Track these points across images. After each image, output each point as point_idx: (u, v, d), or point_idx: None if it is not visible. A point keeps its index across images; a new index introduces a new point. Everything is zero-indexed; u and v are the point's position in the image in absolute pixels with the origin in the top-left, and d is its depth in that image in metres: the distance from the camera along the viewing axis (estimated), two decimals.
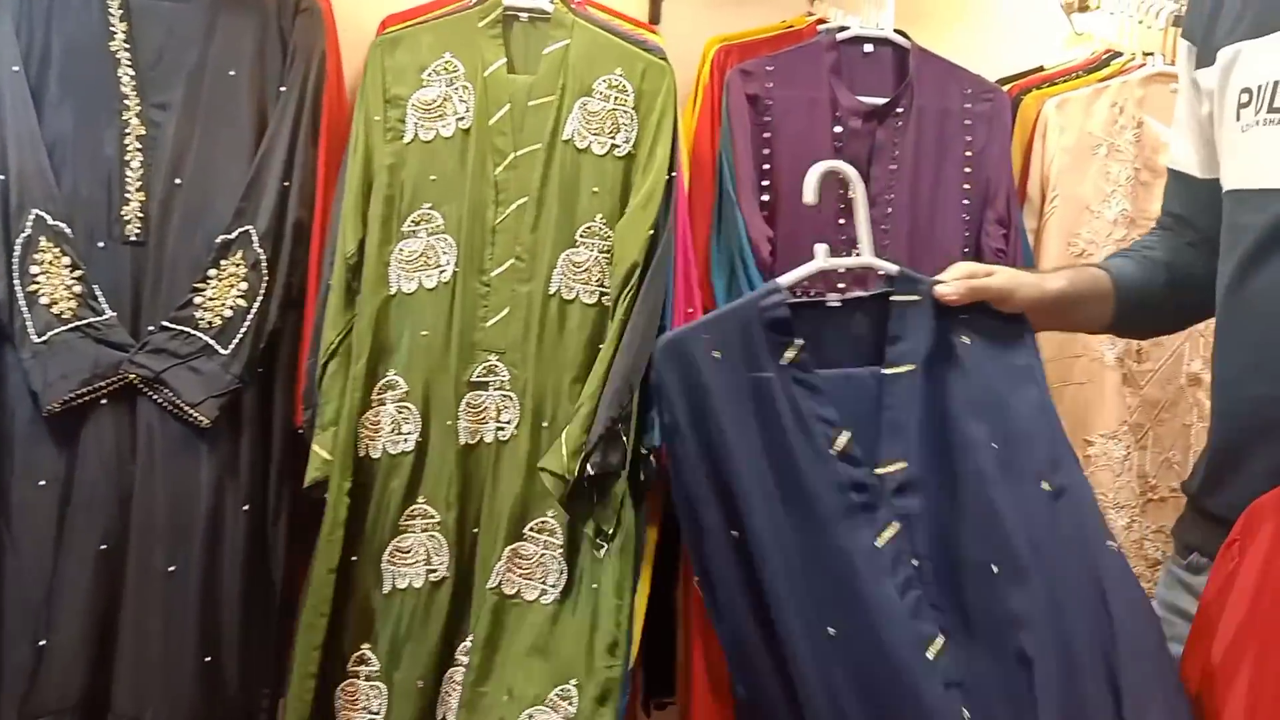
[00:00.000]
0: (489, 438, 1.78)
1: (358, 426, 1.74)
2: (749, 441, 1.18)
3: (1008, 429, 1.19)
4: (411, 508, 1.76)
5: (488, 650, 1.72)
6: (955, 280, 1.24)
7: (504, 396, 1.78)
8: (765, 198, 1.88)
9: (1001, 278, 1.24)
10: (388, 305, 1.76)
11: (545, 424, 1.76)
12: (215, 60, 1.75)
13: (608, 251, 1.81)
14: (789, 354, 1.22)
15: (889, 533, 1.17)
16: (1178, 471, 2.12)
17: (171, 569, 1.68)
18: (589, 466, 1.68)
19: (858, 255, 1.75)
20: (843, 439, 1.20)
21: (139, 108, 1.72)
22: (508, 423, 1.78)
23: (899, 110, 1.91)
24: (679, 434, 1.21)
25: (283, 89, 1.78)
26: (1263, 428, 1.10)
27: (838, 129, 1.89)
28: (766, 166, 1.88)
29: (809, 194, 1.29)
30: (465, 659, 1.74)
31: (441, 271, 1.77)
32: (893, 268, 1.28)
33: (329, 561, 1.70)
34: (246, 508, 1.74)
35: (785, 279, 1.26)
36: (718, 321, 1.26)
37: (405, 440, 1.76)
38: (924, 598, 1.15)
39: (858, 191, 1.29)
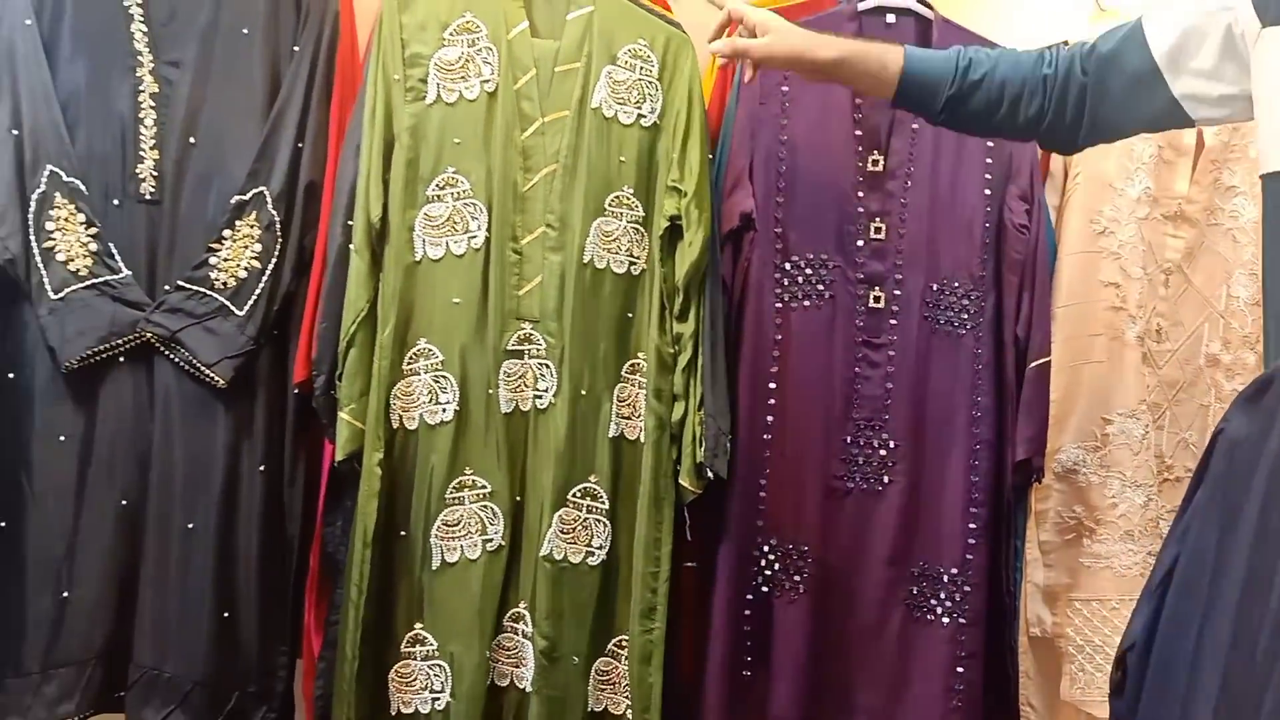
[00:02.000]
0: (526, 406, 1.76)
1: (389, 397, 1.70)
2: None
3: None
4: (458, 479, 1.73)
5: (554, 619, 1.73)
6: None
7: (540, 364, 1.75)
8: (781, 169, 1.85)
9: (764, 42, 1.48)
10: (414, 272, 1.71)
11: (583, 391, 1.76)
12: (228, 18, 1.73)
13: (637, 222, 1.79)
14: None
15: None
16: (1194, 452, 2.09)
17: (190, 525, 1.69)
18: (709, 474, 1.76)
19: (876, 231, 1.79)
20: None
21: (152, 64, 1.70)
22: (545, 391, 1.75)
23: None
24: None
25: (296, 48, 1.75)
26: None
27: (857, 100, 1.86)
28: (784, 138, 1.86)
29: None
30: (516, 625, 1.77)
31: (472, 237, 1.72)
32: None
33: (364, 535, 1.68)
34: (263, 468, 1.74)
35: None
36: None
37: (444, 410, 1.72)
38: None
39: None
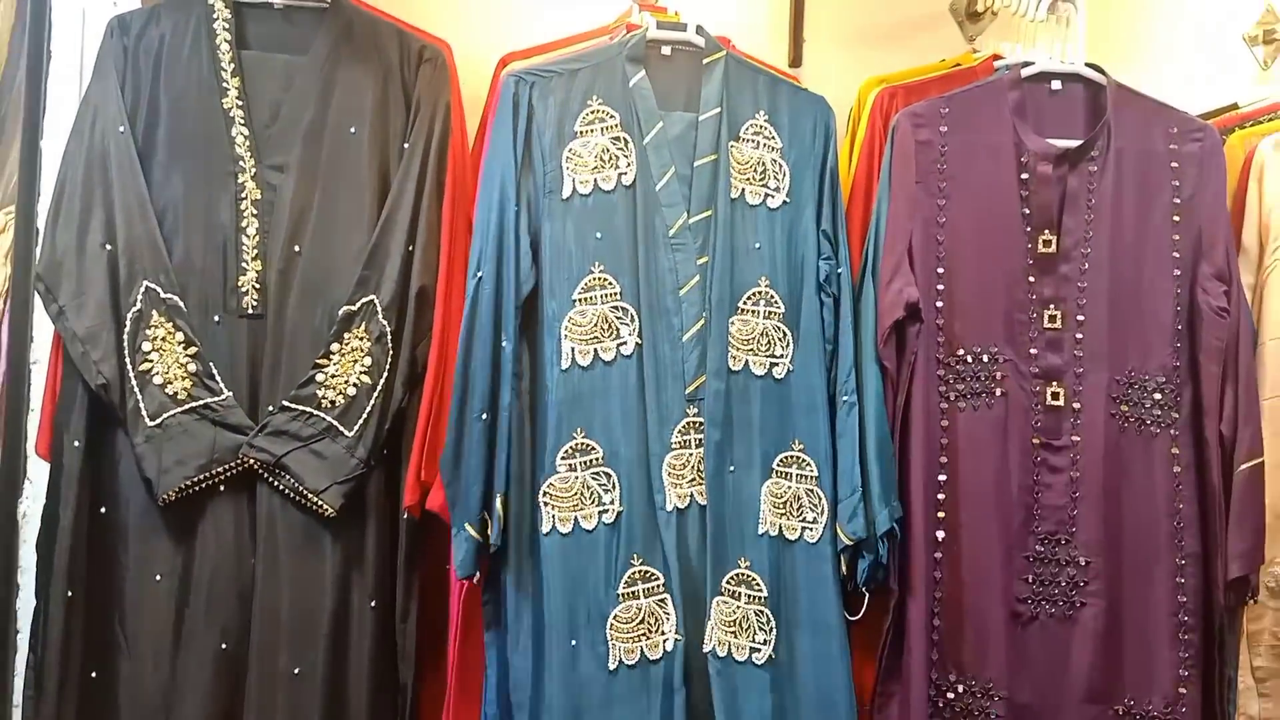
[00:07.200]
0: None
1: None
2: None
3: None
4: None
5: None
6: None
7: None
8: (940, 254, 1.69)
9: None
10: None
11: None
12: (335, 117, 1.66)
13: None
14: None
15: None
16: None
17: (296, 671, 1.56)
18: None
19: (1051, 319, 1.60)
20: None
21: (254, 169, 1.63)
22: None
23: (1094, 153, 1.70)
24: None
25: (405, 145, 1.67)
26: None
27: (1024, 176, 1.70)
28: (942, 220, 1.69)
29: None
30: None
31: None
32: None
33: None
34: (374, 604, 1.61)
35: None
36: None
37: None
38: None
39: None
